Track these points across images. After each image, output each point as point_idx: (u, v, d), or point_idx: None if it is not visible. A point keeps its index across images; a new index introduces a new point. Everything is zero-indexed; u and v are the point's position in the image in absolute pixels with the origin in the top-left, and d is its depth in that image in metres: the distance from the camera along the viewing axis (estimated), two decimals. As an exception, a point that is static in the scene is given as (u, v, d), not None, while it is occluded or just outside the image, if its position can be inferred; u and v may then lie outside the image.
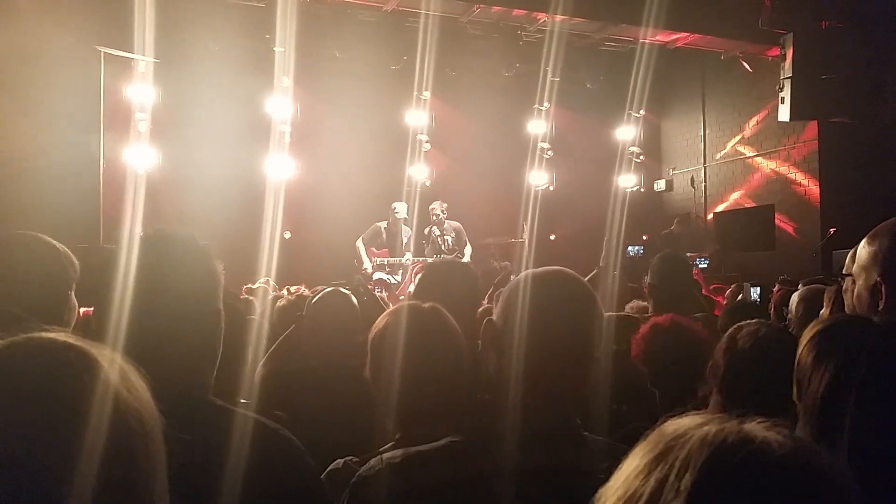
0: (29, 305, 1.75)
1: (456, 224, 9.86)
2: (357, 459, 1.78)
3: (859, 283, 1.71)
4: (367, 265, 9.49)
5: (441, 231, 9.71)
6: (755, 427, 0.69)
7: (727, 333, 2.00)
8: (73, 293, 2.01)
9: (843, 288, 1.85)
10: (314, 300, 2.97)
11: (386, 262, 9.54)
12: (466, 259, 9.30)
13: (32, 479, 0.75)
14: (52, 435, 0.77)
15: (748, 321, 2.02)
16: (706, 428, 0.69)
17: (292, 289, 5.99)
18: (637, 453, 0.72)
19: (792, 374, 1.46)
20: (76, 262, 2.02)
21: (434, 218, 9.76)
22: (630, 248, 11.04)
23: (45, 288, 1.91)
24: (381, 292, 7.55)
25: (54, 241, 2.02)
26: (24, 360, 0.81)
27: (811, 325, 1.46)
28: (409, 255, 9.59)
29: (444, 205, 9.80)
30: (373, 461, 1.34)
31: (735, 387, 1.90)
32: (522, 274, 1.43)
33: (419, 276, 2.64)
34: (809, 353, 1.38)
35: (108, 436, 0.78)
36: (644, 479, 0.68)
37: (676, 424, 0.72)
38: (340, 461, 1.80)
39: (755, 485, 0.64)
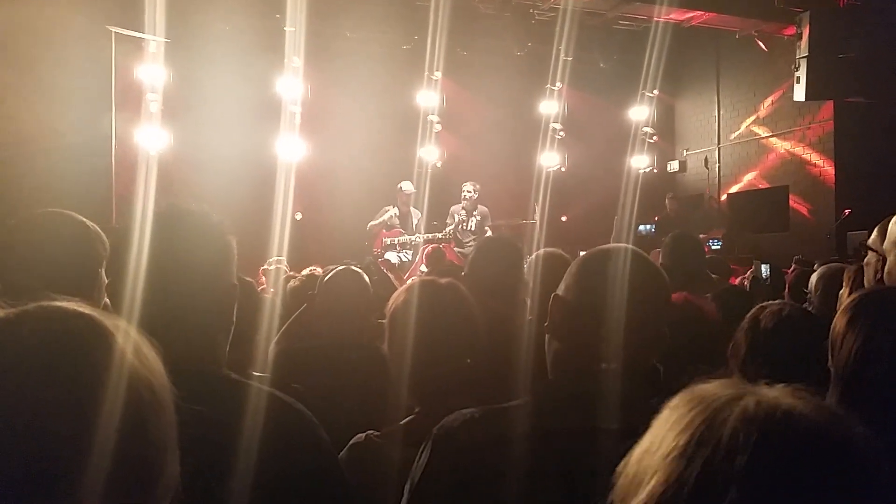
0: (59, 284, 1.74)
1: (484, 209, 9.79)
2: (378, 433, 1.79)
3: (890, 259, 1.68)
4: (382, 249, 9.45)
5: (468, 212, 9.65)
6: (785, 396, 0.69)
7: (750, 313, 1.98)
8: (103, 271, 2.00)
9: (865, 261, 1.82)
10: (326, 279, 2.96)
11: (397, 242, 9.50)
12: None
13: (46, 451, 0.74)
14: (64, 405, 0.75)
15: (771, 301, 2.00)
16: (743, 402, 0.67)
17: (308, 269, 5.95)
18: (668, 427, 0.70)
19: (814, 353, 1.44)
20: (105, 239, 2.01)
21: (467, 195, 9.69)
22: (641, 226, 10.96)
23: (74, 265, 1.91)
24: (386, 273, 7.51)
25: (84, 219, 2.01)
26: (35, 328, 0.79)
27: (850, 296, 1.45)
28: (419, 235, 9.54)
29: (477, 185, 9.72)
30: (449, 417, 1.39)
31: (757, 366, 1.88)
32: (593, 250, 1.50)
33: (473, 250, 2.65)
34: (843, 317, 1.38)
35: (121, 406, 0.77)
36: (687, 462, 0.66)
37: (701, 393, 0.71)
38: (362, 435, 1.81)
39: (809, 462, 0.64)
